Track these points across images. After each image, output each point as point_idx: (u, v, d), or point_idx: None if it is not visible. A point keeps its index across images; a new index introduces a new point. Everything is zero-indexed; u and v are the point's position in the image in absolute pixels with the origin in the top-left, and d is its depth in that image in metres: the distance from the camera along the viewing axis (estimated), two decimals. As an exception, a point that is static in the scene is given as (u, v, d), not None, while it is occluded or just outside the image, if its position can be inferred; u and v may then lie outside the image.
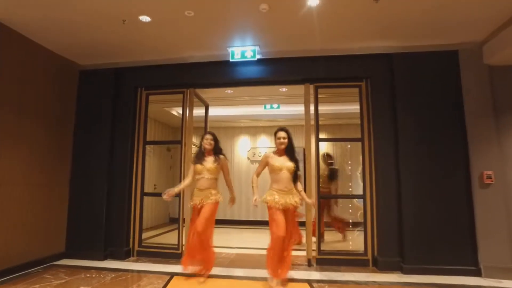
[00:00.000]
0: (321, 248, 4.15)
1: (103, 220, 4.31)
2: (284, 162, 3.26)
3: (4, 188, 3.47)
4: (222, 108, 6.84)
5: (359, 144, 4.30)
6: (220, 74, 4.45)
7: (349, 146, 7.60)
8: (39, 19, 3.41)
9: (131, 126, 4.57)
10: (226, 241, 5.61)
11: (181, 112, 4.69)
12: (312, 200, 3.54)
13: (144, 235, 5.27)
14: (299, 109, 4.62)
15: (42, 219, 3.98)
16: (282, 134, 3.31)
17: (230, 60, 4.21)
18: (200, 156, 3.62)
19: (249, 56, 4.15)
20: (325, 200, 5.07)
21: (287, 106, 6.61)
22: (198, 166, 3.56)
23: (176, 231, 4.44)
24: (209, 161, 3.57)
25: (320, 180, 4.46)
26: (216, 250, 4.74)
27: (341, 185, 7.33)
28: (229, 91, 5.45)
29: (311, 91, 4.37)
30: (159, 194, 7.01)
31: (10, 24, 3.53)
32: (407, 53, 4.01)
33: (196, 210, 3.56)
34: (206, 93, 5.24)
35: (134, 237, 4.50)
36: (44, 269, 3.78)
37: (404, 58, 4.01)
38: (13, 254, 3.53)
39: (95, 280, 3.41)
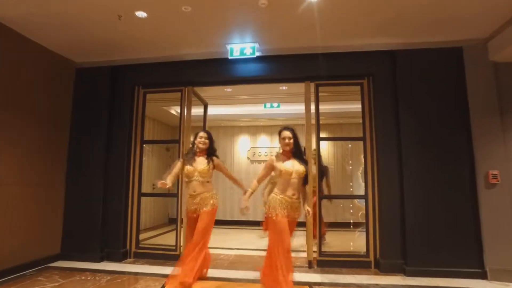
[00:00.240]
0: (322, 250, 4.07)
1: (99, 221, 4.23)
2: (294, 166, 2.86)
3: (-3, 188, 3.40)
4: (221, 107, 6.76)
5: (360, 143, 4.21)
6: (218, 72, 4.36)
7: (350, 145, 7.52)
8: (32, 14, 3.32)
9: (128, 125, 4.49)
10: (225, 242, 5.53)
11: (179, 111, 4.60)
12: (309, 208, 3.06)
13: (143, 236, 5.19)
14: (300, 108, 4.53)
15: (37, 220, 3.89)
16: (286, 134, 2.90)
17: (229, 57, 4.12)
18: (190, 156, 3.27)
19: (248, 53, 4.06)
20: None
21: (288, 105, 6.52)
22: (188, 168, 3.21)
23: (175, 232, 4.36)
24: (201, 162, 3.24)
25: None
26: (215, 251, 4.69)
27: (336, 185, 7.27)
28: (228, 89, 5.36)
29: (312, 89, 4.28)
30: (157, 194, 7.04)
31: (1, 20, 3.44)
32: (410, 50, 3.92)
33: (192, 219, 3.25)
34: (205, 92, 5.16)
35: (131, 238, 4.41)
36: (38, 271, 3.70)
37: (407, 55, 3.92)
38: (7, 256, 3.45)
39: (90, 282, 3.33)
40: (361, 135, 4.18)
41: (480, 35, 3.69)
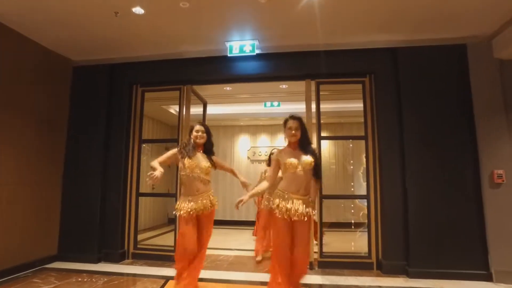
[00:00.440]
0: (323, 251, 3.99)
1: (97, 221, 4.16)
2: (299, 157, 2.52)
3: (-9, 188, 3.33)
4: (220, 106, 6.69)
5: (361, 143, 4.14)
6: (218, 70, 4.29)
7: (351, 145, 7.45)
8: (28, 10, 3.26)
9: (126, 124, 4.42)
10: (224, 242, 5.46)
11: (178, 110, 4.53)
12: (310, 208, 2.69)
13: (142, 236, 5.14)
14: (300, 107, 4.45)
15: (33, 221, 3.82)
16: (293, 123, 2.58)
17: (228, 55, 4.05)
18: (189, 149, 2.86)
19: (248, 50, 3.98)
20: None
21: (288, 104, 6.43)
22: (190, 162, 2.80)
23: (174, 232, 4.29)
24: (203, 159, 2.90)
25: None
26: (214, 252, 4.63)
27: (337, 184, 7.20)
28: (228, 88, 5.30)
29: (313, 87, 4.21)
30: (155, 194, 6.98)
31: (-3, 17, 3.38)
32: (412, 47, 3.85)
33: (191, 219, 2.79)
34: (204, 90, 5.09)
35: (129, 239, 4.35)
36: (34, 273, 3.63)
37: (410, 52, 3.85)
38: (1, 257, 3.38)
39: (86, 284, 3.26)
40: (362, 134, 4.11)
41: (485, 32, 3.61)
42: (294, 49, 4.08)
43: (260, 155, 7.85)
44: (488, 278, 3.34)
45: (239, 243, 5.48)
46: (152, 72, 4.44)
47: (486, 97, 3.60)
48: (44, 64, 4.06)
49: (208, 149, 2.99)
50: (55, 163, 4.21)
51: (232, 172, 3.18)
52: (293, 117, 2.64)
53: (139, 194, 4.48)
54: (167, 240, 4.99)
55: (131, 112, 4.50)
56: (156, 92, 4.71)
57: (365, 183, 4.12)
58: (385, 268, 3.65)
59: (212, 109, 5.90)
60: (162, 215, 7.39)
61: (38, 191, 3.91)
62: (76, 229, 4.18)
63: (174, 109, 6.34)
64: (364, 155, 4.16)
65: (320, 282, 3.39)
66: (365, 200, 4.00)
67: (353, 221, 5.51)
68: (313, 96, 4.20)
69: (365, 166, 4.31)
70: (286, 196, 2.50)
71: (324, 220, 4.02)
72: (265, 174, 4.39)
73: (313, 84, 4.20)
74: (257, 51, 4.03)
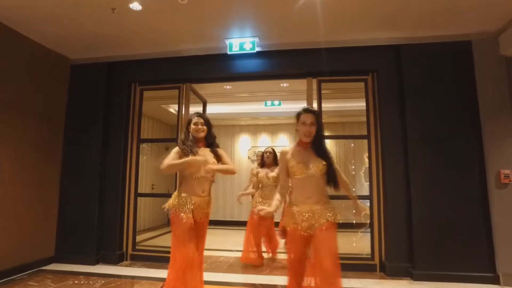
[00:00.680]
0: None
1: (95, 222, 4.09)
2: (310, 160, 2.11)
3: (-14, 189, 3.27)
4: (220, 105, 6.62)
5: (363, 143, 4.07)
6: (217, 68, 4.22)
7: (352, 145, 7.38)
8: (24, 8, 3.18)
9: (124, 123, 4.35)
10: (224, 243, 5.39)
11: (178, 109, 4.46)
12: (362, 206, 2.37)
13: (140, 237, 5.07)
14: (301, 106, 4.34)
15: (30, 221, 3.75)
16: (308, 118, 2.09)
17: (228, 52, 3.97)
18: (190, 145, 2.42)
19: (248, 48, 3.91)
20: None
21: (289, 103, 6.36)
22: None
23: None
24: (209, 156, 2.50)
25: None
26: (214, 253, 4.56)
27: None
28: (228, 86, 5.23)
29: (314, 86, 4.13)
30: (154, 195, 6.91)
31: (-8, 14, 3.31)
32: (416, 44, 3.76)
33: (189, 223, 2.36)
34: (204, 89, 5.02)
35: (128, 240, 4.28)
36: (30, 275, 3.56)
37: (413, 49, 3.76)
38: (-3, 259, 3.32)
39: (83, 287, 3.19)
40: (363, 133, 4.03)
41: (491, 28, 3.53)
42: (295, 47, 4.01)
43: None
44: (495, 281, 3.25)
45: (239, 244, 5.40)
46: (150, 70, 4.37)
47: (492, 95, 3.52)
48: (41, 63, 3.99)
49: (210, 142, 2.58)
50: (52, 163, 4.14)
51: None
52: (308, 110, 2.15)
53: (137, 194, 4.41)
54: (166, 241, 4.91)
55: (129, 111, 4.43)
56: (155, 90, 4.64)
57: (367, 183, 4.05)
58: (388, 270, 3.57)
59: (212, 108, 5.82)
60: (162, 215, 7.32)
61: (35, 191, 3.84)
62: (73, 230, 4.11)
63: (173, 108, 6.27)
64: (365, 155, 4.08)
65: (322, 285, 3.31)
66: (368, 200, 3.92)
67: (354, 222, 5.43)
68: (315, 95, 4.12)
69: (366, 166, 4.24)
70: (297, 209, 2.09)
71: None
72: (257, 176, 4.22)
73: (314, 82, 4.12)
74: (257, 49, 3.96)
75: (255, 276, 3.57)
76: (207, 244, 2.74)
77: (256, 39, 3.87)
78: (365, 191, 3.97)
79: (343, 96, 5.46)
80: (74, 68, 4.44)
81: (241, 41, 3.91)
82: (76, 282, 3.34)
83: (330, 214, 2.06)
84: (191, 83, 4.43)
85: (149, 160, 6.77)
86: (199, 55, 4.19)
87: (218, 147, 2.62)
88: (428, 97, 3.68)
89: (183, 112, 4.35)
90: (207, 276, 3.39)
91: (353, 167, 7.16)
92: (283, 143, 7.72)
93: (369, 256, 3.79)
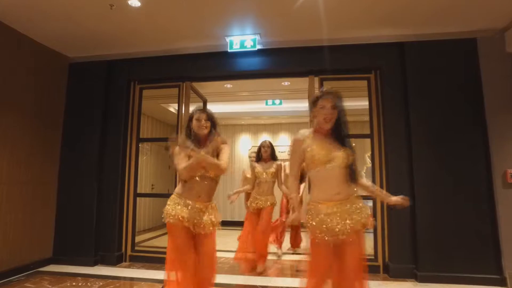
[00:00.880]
0: (327, 253, 3.85)
1: (93, 223, 4.03)
2: (333, 149, 1.82)
3: (-18, 189, 3.20)
4: (221, 105, 6.56)
5: (364, 142, 4.00)
6: (217, 66, 4.16)
7: (353, 144, 7.28)
8: (21, 4, 3.12)
9: (123, 122, 4.28)
10: (225, 244, 5.32)
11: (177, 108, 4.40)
12: (396, 197, 2.00)
13: (140, 238, 5.00)
14: (303, 105, 4.34)
15: (27, 222, 3.69)
16: (328, 101, 1.83)
17: (229, 50, 3.91)
18: (192, 144, 2.09)
19: (249, 46, 3.84)
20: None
21: (290, 102, 6.31)
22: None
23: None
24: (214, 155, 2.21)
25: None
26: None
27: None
28: (228, 85, 5.16)
29: (316, 84, 4.07)
30: (154, 195, 6.84)
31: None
32: (420, 41, 3.69)
33: (188, 231, 2.12)
34: (204, 88, 4.95)
35: (127, 241, 4.21)
36: (27, 276, 3.49)
37: (417, 47, 3.69)
38: (-7, 261, 3.26)
39: (81, 289, 3.14)
40: (366, 133, 3.97)
41: (496, 25, 3.46)
42: (297, 44, 3.94)
43: (261, 155, 7.71)
44: (501, 283, 3.18)
45: (240, 244, 5.33)
46: (150, 68, 4.30)
47: (498, 94, 3.45)
48: (39, 61, 3.93)
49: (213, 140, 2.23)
50: (50, 162, 4.07)
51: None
52: (328, 92, 1.88)
53: (137, 194, 4.35)
54: (166, 241, 4.85)
55: (128, 110, 4.37)
56: (154, 89, 4.58)
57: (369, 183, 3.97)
58: (392, 271, 3.50)
59: (212, 108, 5.72)
60: (161, 215, 7.26)
61: (32, 191, 3.78)
62: (71, 230, 4.04)
63: (173, 107, 6.21)
64: (367, 154, 4.02)
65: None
66: (370, 200, 3.85)
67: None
68: (317, 93, 4.06)
69: (368, 165, 4.16)
70: (321, 209, 1.75)
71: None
72: (253, 172, 3.90)
73: (316, 80, 4.06)
74: (258, 47, 3.89)
75: (256, 278, 3.50)
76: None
77: (257, 37, 3.81)
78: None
79: (345, 94, 5.33)
80: (72, 66, 4.38)
81: (242, 39, 3.84)
82: (74, 284, 3.27)
83: (363, 217, 1.75)
84: (191, 81, 4.37)
85: (148, 159, 6.72)
86: (199, 53, 4.13)
87: (225, 142, 2.29)
88: (433, 96, 3.61)
89: (183, 111, 4.29)
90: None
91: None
92: (284, 143, 7.65)
93: (372, 257, 3.73)
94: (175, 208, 2.12)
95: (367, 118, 4.02)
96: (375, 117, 3.92)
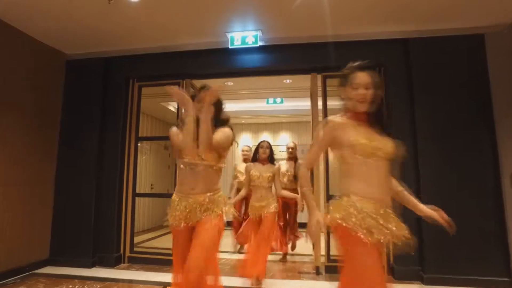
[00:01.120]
0: (331, 254, 3.76)
1: (91, 223, 3.93)
2: (375, 136, 1.54)
3: (-24, 189, 3.11)
4: (221, 103, 6.47)
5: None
6: (218, 63, 4.07)
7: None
8: (19, 2, 3.03)
9: (122, 120, 4.20)
10: (225, 244, 5.23)
11: (177, 106, 4.32)
12: (427, 209, 1.76)
13: (139, 239, 4.92)
14: (305, 104, 4.26)
15: (23, 222, 3.60)
16: (363, 78, 1.54)
17: (230, 47, 3.82)
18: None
19: (250, 42, 3.76)
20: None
21: (292, 100, 6.23)
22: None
23: (171, 235, 4.08)
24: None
25: (285, 179, 4.31)
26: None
27: (339, 185, 6.96)
28: (229, 83, 5.07)
29: (319, 82, 3.99)
30: (153, 195, 6.75)
31: (-18, 5, 3.15)
32: (425, 38, 3.61)
33: (186, 232, 1.93)
34: (204, 86, 4.86)
35: (126, 242, 4.13)
36: (22, 279, 3.40)
37: (422, 43, 3.61)
38: (-13, 263, 3.17)
39: (78, 292, 3.05)
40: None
41: (505, 20, 3.36)
42: (300, 41, 3.85)
43: (262, 154, 7.62)
44: (510, 286, 3.10)
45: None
46: (149, 65, 4.21)
47: (507, 91, 3.36)
48: (35, 58, 3.84)
49: (220, 120, 2.02)
50: (47, 162, 3.98)
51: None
52: (362, 66, 1.58)
53: (136, 195, 4.27)
54: (165, 242, 4.77)
55: (127, 108, 4.28)
56: (153, 87, 4.49)
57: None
58: (397, 273, 3.42)
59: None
60: (162, 215, 7.17)
61: (29, 191, 3.69)
62: (69, 231, 3.95)
63: (172, 106, 6.13)
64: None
65: (328, 289, 3.17)
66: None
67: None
68: (320, 92, 3.97)
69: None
70: (366, 208, 1.43)
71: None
72: (247, 174, 3.45)
73: (319, 78, 3.98)
74: (260, 43, 3.80)
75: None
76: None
77: (259, 33, 3.72)
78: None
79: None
80: (69, 63, 4.29)
81: (243, 35, 3.76)
82: (71, 286, 3.19)
83: (405, 232, 1.50)
84: (191, 79, 4.28)
85: (148, 159, 6.63)
86: (200, 50, 4.04)
87: (231, 129, 2.06)
88: (438, 93, 3.53)
89: (183, 110, 4.19)
90: (208, 279, 3.24)
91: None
92: (285, 142, 7.57)
93: (377, 259, 3.64)
94: (173, 208, 1.99)
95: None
96: (379, 115, 3.83)
